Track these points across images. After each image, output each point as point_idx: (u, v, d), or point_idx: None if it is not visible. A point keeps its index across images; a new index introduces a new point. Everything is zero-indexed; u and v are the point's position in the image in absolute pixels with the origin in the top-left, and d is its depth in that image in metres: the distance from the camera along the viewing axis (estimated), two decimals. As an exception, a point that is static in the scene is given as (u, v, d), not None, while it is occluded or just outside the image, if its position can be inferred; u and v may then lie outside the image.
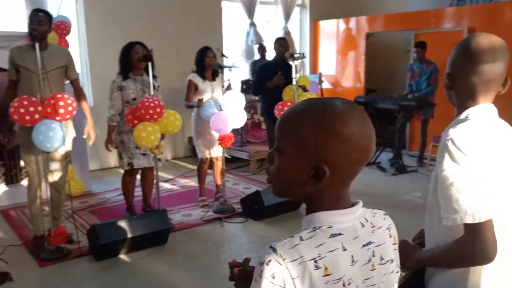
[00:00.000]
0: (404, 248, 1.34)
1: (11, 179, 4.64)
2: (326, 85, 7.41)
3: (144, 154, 3.79)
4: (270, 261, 0.79)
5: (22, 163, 4.35)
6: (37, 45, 2.99)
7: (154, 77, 3.69)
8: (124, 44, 3.78)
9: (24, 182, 4.52)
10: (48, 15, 3.24)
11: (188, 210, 4.26)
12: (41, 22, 3.14)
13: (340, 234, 0.84)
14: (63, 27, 4.59)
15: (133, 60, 3.68)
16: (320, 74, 6.70)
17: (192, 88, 4.15)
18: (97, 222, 3.49)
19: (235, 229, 3.83)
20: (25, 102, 2.95)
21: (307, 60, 8.09)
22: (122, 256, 3.24)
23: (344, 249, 0.83)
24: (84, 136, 3.56)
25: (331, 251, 0.82)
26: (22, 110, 2.92)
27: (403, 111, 5.60)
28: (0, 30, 4.66)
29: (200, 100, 3.98)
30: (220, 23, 7.04)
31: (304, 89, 4.61)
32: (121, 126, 3.74)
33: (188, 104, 4.14)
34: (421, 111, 5.67)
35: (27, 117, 2.95)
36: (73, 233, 3.51)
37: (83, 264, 3.15)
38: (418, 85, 5.78)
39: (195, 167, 4.51)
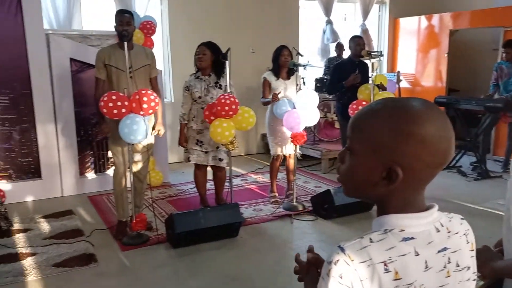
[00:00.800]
0: (484, 254, 1.27)
1: (99, 168, 5.04)
2: (404, 84, 7.15)
3: (206, 152, 3.91)
4: (338, 260, 0.79)
5: (109, 153, 4.71)
6: (126, 44, 3.22)
7: (221, 76, 3.80)
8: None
9: (110, 171, 4.89)
10: (132, 15, 3.47)
11: (259, 206, 4.34)
12: (129, 23, 3.37)
13: (412, 238, 0.82)
14: (149, 27, 4.88)
15: (194, 59, 3.84)
16: (399, 72, 6.47)
17: (267, 86, 4.23)
18: (174, 212, 3.68)
19: (304, 227, 3.84)
20: (114, 97, 3.19)
21: (384, 59, 7.85)
22: (196, 245, 3.39)
23: (417, 254, 0.81)
24: (154, 133, 3.72)
25: (402, 255, 0.80)
26: (110, 104, 3.17)
27: (489, 113, 5.25)
28: (92, 29, 5.06)
29: (275, 94, 4.04)
30: (296, 21, 7.05)
31: (382, 88, 4.49)
32: (191, 122, 3.91)
33: (264, 101, 4.21)
34: (508, 113, 5.28)
35: (115, 111, 3.18)
36: (152, 221, 3.74)
37: (161, 250, 3.34)
38: (506, 85, 5.38)
39: (267, 164, 4.59)
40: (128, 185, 3.60)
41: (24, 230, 3.75)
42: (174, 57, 6.22)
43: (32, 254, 3.26)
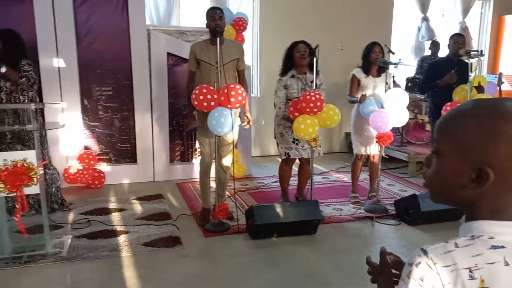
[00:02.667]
0: None
1: (187, 157, 5.33)
2: (506, 86, 6.58)
3: (303, 150, 3.95)
4: (420, 263, 0.78)
5: (197, 144, 4.96)
6: (218, 39, 3.37)
7: (317, 73, 3.81)
8: (291, 40, 3.96)
9: (197, 161, 5.14)
10: (222, 11, 3.61)
11: (339, 205, 4.30)
12: (221, 18, 3.52)
13: (502, 247, 0.78)
14: (241, 23, 5.02)
15: (295, 58, 3.84)
16: (501, 74, 5.97)
17: (355, 83, 4.15)
18: (255, 204, 3.78)
19: (386, 231, 3.73)
20: (204, 90, 3.35)
21: (485, 59, 7.28)
22: (274, 238, 3.45)
23: (507, 264, 0.77)
24: (243, 124, 3.84)
25: (490, 263, 0.77)
26: (201, 97, 3.33)
27: None
28: (188, 26, 5.34)
29: (364, 96, 3.95)
30: (390, 17, 6.81)
31: (480, 90, 4.19)
32: (281, 119, 3.95)
33: (351, 99, 4.15)
34: None
35: (205, 104, 3.35)
36: (233, 211, 3.88)
37: (240, 240, 3.46)
38: None
39: (350, 163, 4.52)
40: (213, 175, 3.77)
41: (119, 210, 4.09)
42: (263, 53, 6.34)
43: (125, 232, 3.56)
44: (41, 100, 4.53)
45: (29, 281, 2.79)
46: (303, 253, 3.25)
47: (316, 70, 3.75)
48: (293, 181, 4.31)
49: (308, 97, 3.51)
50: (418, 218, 3.76)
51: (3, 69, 3.55)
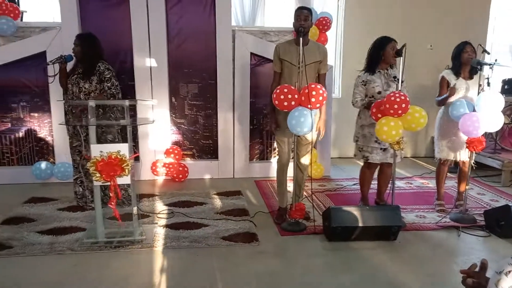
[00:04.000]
0: None
1: (266, 156, 5.40)
2: None
3: (384, 150, 3.83)
4: (510, 271, 0.74)
5: (275, 143, 5.01)
6: (301, 39, 3.37)
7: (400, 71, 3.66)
8: (375, 38, 3.85)
9: (275, 160, 5.19)
10: (311, 12, 3.59)
11: (422, 212, 4.10)
12: (307, 18, 3.51)
13: None
14: (325, 23, 4.98)
15: (387, 54, 3.72)
16: None
17: (445, 85, 3.93)
18: (332, 206, 3.73)
19: (473, 242, 3.49)
20: (285, 90, 3.37)
21: None
22: (351, 241, 3.39)
23: None
24: (315, 132, 3.79)
25: None
26: (282, 97, 3.36)
27: None
28: (272, 26, 5.40)
29: (452, 88, 3.73)
30: (486, 15, 6.34)
31: None
32: (364, 119, 3.86)
33: (439, 99, 3.93)
34: None
35: (285, 103, 3.37)
36: (310, 211, 3.87)
37: (316, 241, 3.44)
38: None
39: (435, 169, 4.28)
40: (290, 174, 3.78)
41: (201, 203, 4.27)
42: (346, 53, 6.23)
43: (205, 225, 3.70)
44: (134, 97, 4.87)
45: (118, 264, 3.02)
46: (381, 259, 3.15)
47: (402, 66, 3.61)
48: (373, 184, 4.19)
49: (392, 98, 3.39)
50: (511, 231, 3.47)
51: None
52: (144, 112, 4.94)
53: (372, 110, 3.59)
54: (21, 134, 4.98)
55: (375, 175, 4.06)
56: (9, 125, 4.96)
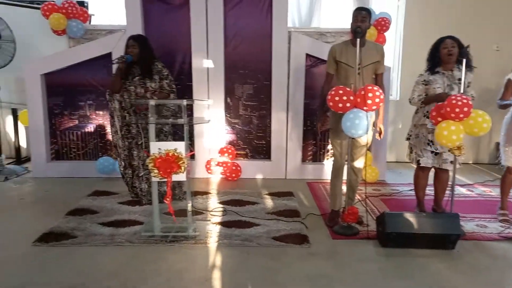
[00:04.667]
0: None
1: (319, 157, 5.37)
2: None
3: (436, 154, 3.68)
4: None
5: (329, 145, 4.97)
6: (358, 40, 3.32)
7: (470, 70, 3.51)
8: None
9: (328, 162, 5.15)
10: (369, 12, 3.53)
11: (483, 221, 3.90)
12: (364, 19, 3.45)
13: None
14: (384, 23, 4.87)
15: (442, 54, 3.59)
16: None
17: (509, 89, 3.72)
18: (387, 211, 3.64)
19: (540, 256, 3.27)
20: (340, 92, 3.33)
21: None
22: (406, 248, 3.29)
23: None
24: (376, 135, 3.71)
25: None
26: (336, 98, 3.33)
27: None
28: (328, 27, 5.36)
29: None
30: (560, 13, 5.92)
31: None
32: (418, 120, 3.74)
33: (501, 104, 3.73)
34: None
35: (340, 105, 3.33)
36: (363, 216, 3.80)
37: (369, 246, 3.38)
38: None
39: (499, 176, 4.05)
40: (344, 177, 3.73)
41: (252, 203, 4.32)
42: (405, 54, 6.05)
43: (257, 225, 3.74)
44: (191, 97, 5.02)
45: (173, 258, 3.13)
46: (438, 268, 3.03)
47: (469, 65, 3.45)
48: (430, 191, 4.04)
49: (453, 101, 3.25)
50: None
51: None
52: (200, 112, 5.07)
53: (432, 114, 3.47)
54: (86, 130, 5.29)
55: (431, 180, 3.92)
56: (77, 122, 5.28)
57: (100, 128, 5.29)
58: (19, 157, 5.91)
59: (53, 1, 5.13)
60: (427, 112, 3.64)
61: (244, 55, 5.12)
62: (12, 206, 4.27)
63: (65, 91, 5.20)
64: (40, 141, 5.19)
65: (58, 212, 3.97)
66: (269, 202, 4.38)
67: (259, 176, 5.29)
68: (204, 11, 4.95)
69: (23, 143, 6.05)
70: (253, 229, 3.66)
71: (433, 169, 3.88)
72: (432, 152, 3.70)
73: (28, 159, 5.79)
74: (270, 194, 4.63)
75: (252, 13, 5.05)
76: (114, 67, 4.36)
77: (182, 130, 3.54)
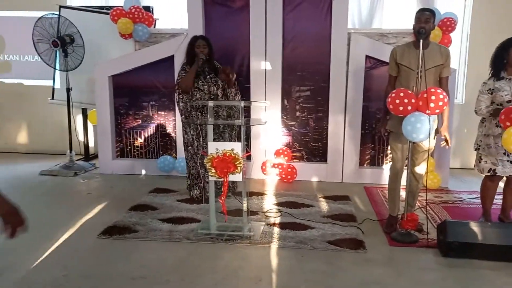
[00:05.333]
0: None
1: (377, 162, 5.24)
2: None
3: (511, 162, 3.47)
4: None
5: (388, 149, 4.84)
6: (421, 42, 3.21)
7: None
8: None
9: (386, 166, 5.01)
10: (433, 13, 3.39)
11: (557, 235, 3.62)
12: (428, 21, 3.32)
13: None
14: (449, 24, 4.68)
15: (510, 58, 3.38)
16: None
17: None
18: (449, 219, 3.49)
19: None
20: (401, 94, 3.24)
21: None
22: (469, 259, 3.13)
23: None
24: (442, 144, 3.55)
25: None
26: (397, 101, 3.23)
27: None
28: (390, 28, 5.22)
29: None
30: None
31: None
32: (489, 129, 3.54)
33: None
34: None
35: (400, 108, 3.24)
36: (423, 223, 3.66)
37: (428, 254, 3.25)
38: None
39: None
40: (404, 182, 3.62)
41: (307, 205, 4.30)
42: (472, 55, 5.77)
43: (311, 228, 3.72)
44: (249, 98, 5.09)
45: (228, 256, 3.19)
46: (505, 282, 2.86)
47: None
48: (497, 199, 3.82)
49: (525, 105, 3.06)
50: None
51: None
52: (257, 114, 5.13)
53: (501, 117, 3.28)
54: (149, 130, 5.52)
55: (499, 189, 3.70)
56: (140, 121, 5.52)
57: (162, 128, 5.50)
58: (87, 154, 6.28)
59: (121, 6, 5.40)
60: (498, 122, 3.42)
61: (302, 57, 5.12)
62: (80, 200, 4.55)
63: (130, 92, 5.46)
64: (107, 139, 5.49)
65: (121, 207, 4.18)
66: (324, 205, 4.34)
67: (315, 179, 5.26)
68: (264, 14, 5.00)
69: (91, 141, 6.42)
70: (308, 231, 3.64)
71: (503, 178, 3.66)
72: (508, 161, 3.49)
73: (95, 156, 6.14)
74: (326, 197, 4.59)
75: (311, 15, 5.03)
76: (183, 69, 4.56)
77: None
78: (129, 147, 5.58)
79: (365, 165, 5.25)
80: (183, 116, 4.31)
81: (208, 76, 4.23)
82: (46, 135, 6.57)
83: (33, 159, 6.23)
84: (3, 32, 6.40)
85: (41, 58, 5.45)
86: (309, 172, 5.27)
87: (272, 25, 5.02)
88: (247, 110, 5.07)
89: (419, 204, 3.98)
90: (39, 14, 5.44)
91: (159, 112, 5.47)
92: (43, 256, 3.18)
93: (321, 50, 5.06)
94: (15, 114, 6.58)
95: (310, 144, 5.29)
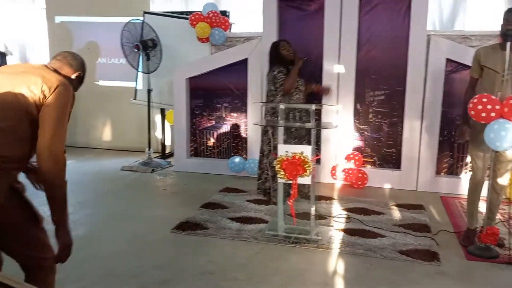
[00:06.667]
0: None
1: (455, 171, 4.96)
2: None
3: None
4: None
5: (468, 157, 4.56)
6: (508, 45, 3.00)
7: None
8: None
9: (466, 176, 4.73)
10: None
11: None
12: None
13: None
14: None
15: None
16: None
17: None
18: (535, 236, 3.22)
19: None
20: (484, 100, 3.05)
21: None
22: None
23: None
24: None
25: None
26: (479, 107, 3.05)
27: None
28: (473, 30, 4.92)
29: None
30: None
31: None
32: None
33: None
34: None
35: (483, 114, 3.04)
36: (505, 237, 3.41)
37: (509, 272, 3.03)
38: None
39: None
40: (484, 194, 3.40)
41: (378, 213, 4.18)
42: None
43: (382, 236, 3.62)
44: (320, 101, 5.05)
45: (295, 258, 3.20)
46: None
47: None
48: None
49: None
50: None
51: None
52: (328, 117, 5.08)
53: None
54: (221, 131, 5.68)
55: None
56: (213, 122, 5.71)
57: (234, 129, 5.63)
58: (164, 152, 6.60)
59: (200, 11, 5.63)
60: None
61: (377, 60, 4.99)
62: (156, 195, 4.81)
63: (205, 93, 5.66)
64: (182, 138, 5.74)
65: (193, 204, 4.35)
66: (396, 213, 4.20)
67: (387, 186, 5.09)
68: (338, 16, 4.95)
69: (168, 139, 6.75)
70: (378, 240, 3.55)
71: None
72: None
73: (171, 155, 6.44)
74: (398, 205, 4.43)
75: (388, 16, 4.89)
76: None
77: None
78: (202, 147, 5.79)
79: (442, 173, 4.99)
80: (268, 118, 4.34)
81: (300, 78, 4.39)
82: (127, 133, 7.01)
83: (115, 155, 6.67)
84: (94, 37, 6.93)
85: (127, 60, 5.83)
86: (381, 179, 5.11)
87: (347, 28, 4.95)
88: (318, 114, 5.03)
89: (500, 218, 3.72)
90: (124, 19, 5.82)
91: (232, 114, 5.62)
92: (120, 246, 3.40)
93: (397, 53, 4.90)
94: (101, 113, 7.09)
95: (383, 149, 5.14)
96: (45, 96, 1.83)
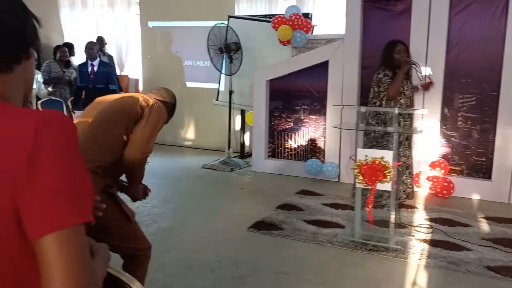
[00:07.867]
0: None
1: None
2: None
3: None
4: None
5: None
6: None
7: None
8: None
9: None
10: None
11: None
12: None
13: None
14: None
15: None
16: None
17: None
18: None
19: None
20: None
21: None
22: None
23: None
24: None
25: None
26: None
27: None
28: None
29: None
30: None
31: None
32: None
33: None
34: None
35: None
36: None
37: None
38: None
39: None
40: None
41: (464, 225, 3.93)
42: None
43: (468, 249, 3.39)
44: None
45: (371, 266, 3.11)
46: None
47: None
48: None
49: None
50: None
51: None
52: (413, 121, 4.85)
53: None
54: (299, 133, 5.69)
55: None
56: (292, 124, 5.73)
57: (312, 132, 5.61)
58: (243, 152, 6.75)
59: (283, 14, 5.68)
60: None
61: (468, 62, 4.68)
62: (234, 194, 4.94)
63: (284, 95, 5.70)
64: (261, 139, 5.83)
65: (269, 204, 4.41)
66: (485, 226, 3.91)
67: (475, 197, 4.75)
68: (427, 17, 4.72)
69: (247, 140, 6.89)
70: (463, 253, 3.33)
71: None
72: None
73: (249, 155, 6.57)
74: (487, 218, 4.12)
75: (482, 16, 4.57)
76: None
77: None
78: (280, 148, 5.83)
79: (540, 186, 4.56)
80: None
81: (406, 82, 4.30)
82: (209, 133, 7.27)
83: (197, 153, 6.95)
84: (182, 41, 7.28)
85: (212, 62, 6.06)
86: (469, 189, 4.78)
87: (435, 28, 4.71)
88: (410, 118, 4.83)
89: None
90: (210, 24, 6.05)
91: (310, 116, 5.59)
92: (200, 241, 3.55)
93: (491, 55, 4.56)
94: (186, 113, 7.44)
95: (472, 158, 4.81)
96: (143, 111, 2.15)
